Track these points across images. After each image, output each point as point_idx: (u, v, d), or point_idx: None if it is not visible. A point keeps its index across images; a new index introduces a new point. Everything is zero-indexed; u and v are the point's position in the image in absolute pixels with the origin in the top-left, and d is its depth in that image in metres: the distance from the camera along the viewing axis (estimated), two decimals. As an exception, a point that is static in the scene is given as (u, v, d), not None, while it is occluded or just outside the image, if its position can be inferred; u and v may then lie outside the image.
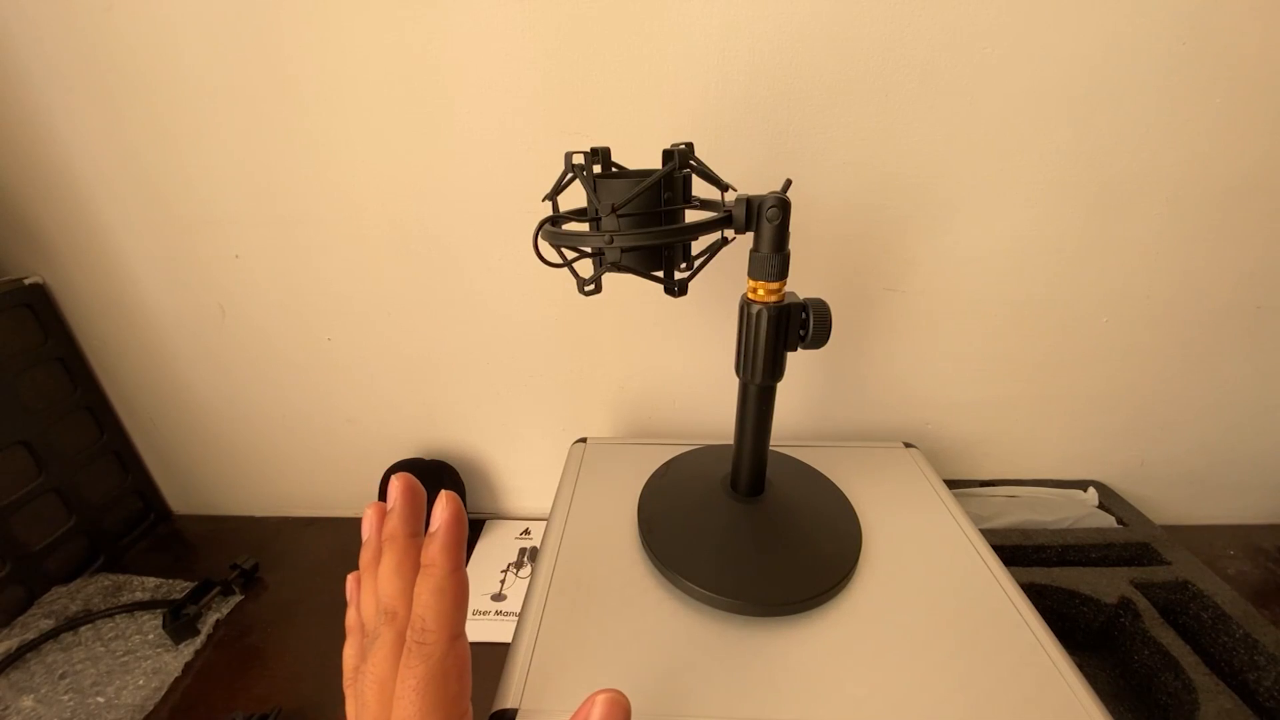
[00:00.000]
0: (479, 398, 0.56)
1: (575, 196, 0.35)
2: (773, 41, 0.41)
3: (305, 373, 0.56)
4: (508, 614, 0.50)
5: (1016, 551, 0.48)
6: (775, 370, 0.35)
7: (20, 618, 0.49)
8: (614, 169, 0.35)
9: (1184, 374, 0.51)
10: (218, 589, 0.52)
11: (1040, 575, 0.45)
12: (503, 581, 0.54)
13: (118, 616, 0.50)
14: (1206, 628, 0.42)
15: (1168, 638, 0.39)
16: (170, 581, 0.54)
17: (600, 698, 0.20)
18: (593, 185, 0.32)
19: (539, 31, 0.41)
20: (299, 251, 0.50)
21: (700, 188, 0.35)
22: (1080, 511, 0.52)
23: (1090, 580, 0.44)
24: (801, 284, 0.35)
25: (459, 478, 0.58)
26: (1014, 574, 0.37)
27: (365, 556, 0.27)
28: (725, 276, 0.39)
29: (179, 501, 0.65)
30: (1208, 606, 0.42)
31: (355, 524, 0.64)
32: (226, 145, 0.46)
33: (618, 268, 0.31)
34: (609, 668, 0.31)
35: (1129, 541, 0.48)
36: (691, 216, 0.33)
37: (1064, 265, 0.47)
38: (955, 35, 0.40)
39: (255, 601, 0.52)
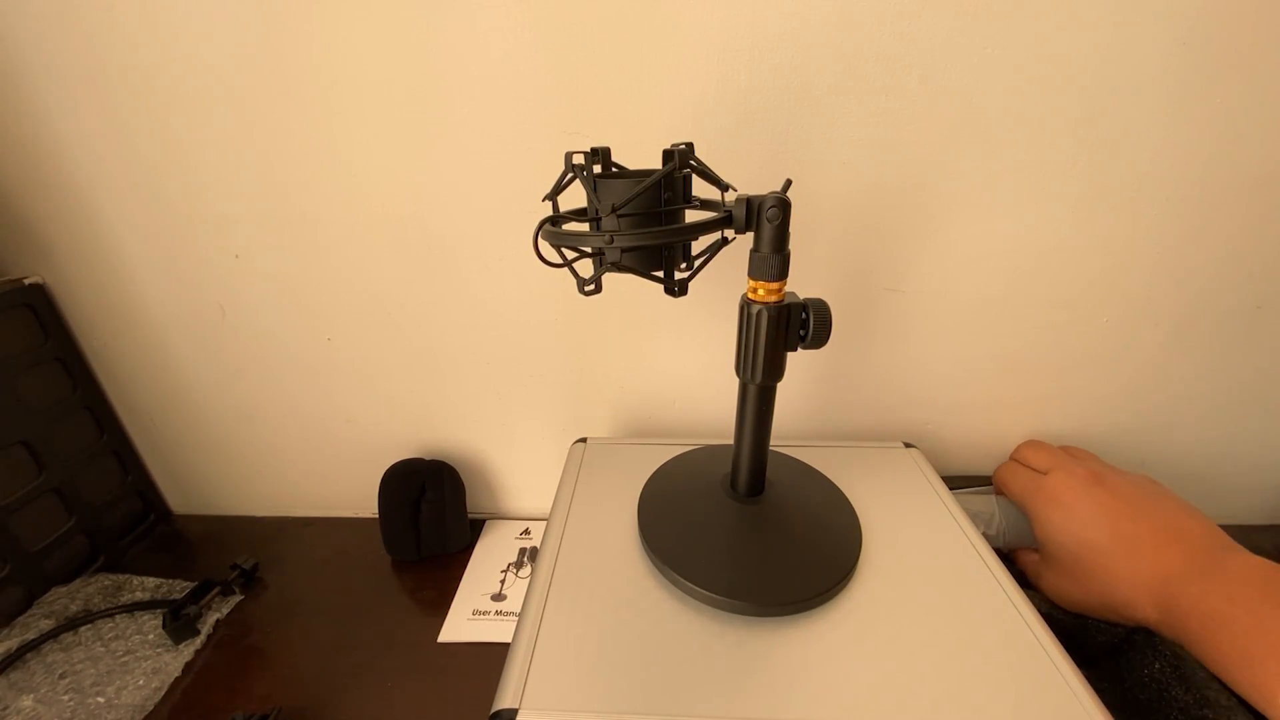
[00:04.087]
0: (479, 398, 0.56)
1: (575, 196, 0.35)
2: (773, 41, 0.41)
3: (305, 373, 0.56)
4: (508, 614, 0.50)
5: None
6: (775, 370, 0.35)
7: (20, 618, 0.49)
8: (614, 169, 0.35)
9: (1184, 374, 0.51)
10: (218, 589, 0.52)
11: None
12: (503, 581, 0.54)
13: (118, 616, 0.50)
14: None
15: (1180, 650, 0.38)
16: (170, 581, 0.54)
17: None
18: (593, 185, 0.32)
19: (539, 31, 0.41)
20: (299, 251, 0.50)
21: (700, 188, 0.35)
22: None
23: None
24: (802, 284, 0.35)
25: (459, 478, 0.58)
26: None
27: None
28: (725, 276, 0.39)
29: (179, 501, 0.65)
30: None
31: (355, 524, 0.65)
32: (227, 145, 0.46)
33: (618, 268, 0.31)
34: (609, 668, 0.31)
35: None
36: (691, 216, 0.33)
37: (1064, 265, 0.47)
38: (955, 35, 0.40)
39: (255, 601, 0.52)
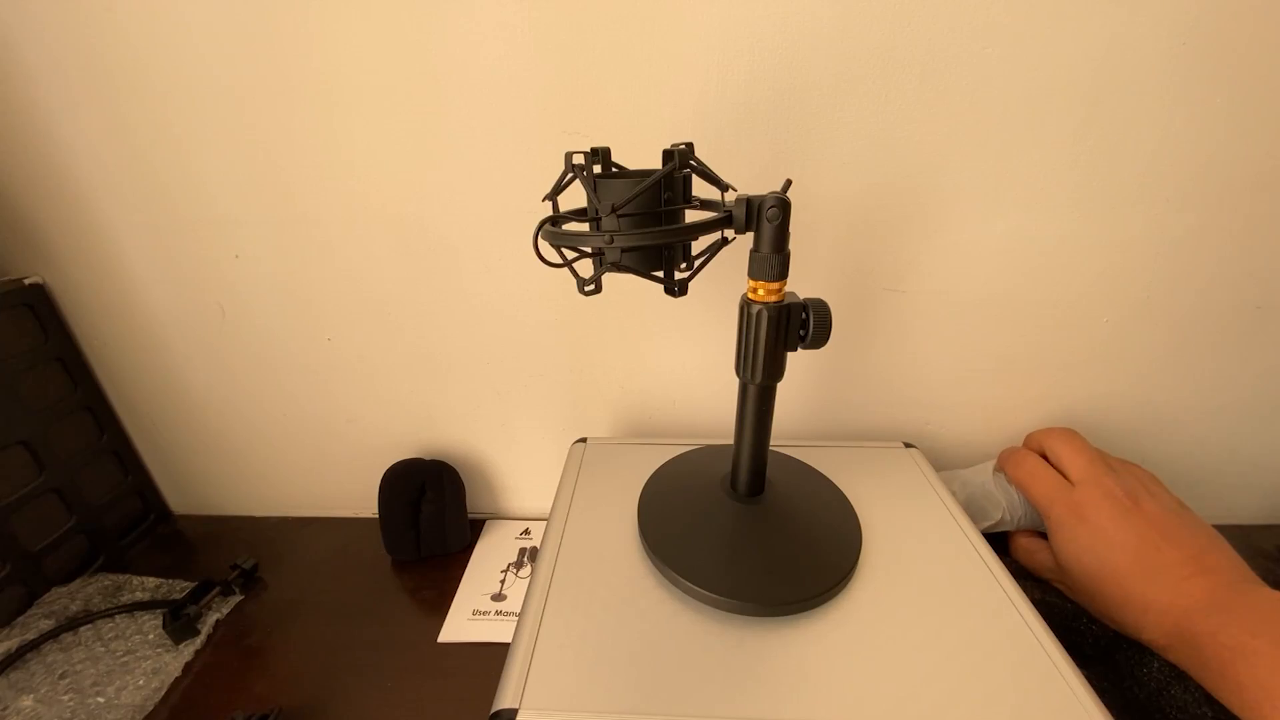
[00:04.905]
0: (479, 398, 0.56)
1: (575, 196, 0.35)
2: (773, 41, 0.41)
3: (305, 373, 0.56)
4: (508, 614, 0.50)
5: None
6: (775, 370, 0.35)
7: (20, 618, 0.49)
8: (614, 169, 0.35)
9: (1184, 374, 0.51)
10: (218, 589, 0.52)
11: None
12: (503, 581, 0.54)
13: (118, 617, 0.50)
14: None
15: None
16: (170, 581, 0.54)
17: None
18: (593, 185, 0.32)
19: (539, 31, 0.41)
20: (299, 251, 0.50)
21: (700, 188, 0.35)
22: None
23: None
24: (802, 284, 0.35)
25: (459, 478, 0.58)
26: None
27: None
28: (725, 276, 0.39)
29: (179, 501, 0.65)
30: None
31: (355, 524, 0.65)
32: (227, 145, 0.46)
33: (618, 268, 0.31)
34: (609, 668, 0.31)
35: None
36: (691, 216, 0.33)
37: (1064, 265, 0.47)
38: (955, 35, 0.40)
39: (255, 601, 0.52)
